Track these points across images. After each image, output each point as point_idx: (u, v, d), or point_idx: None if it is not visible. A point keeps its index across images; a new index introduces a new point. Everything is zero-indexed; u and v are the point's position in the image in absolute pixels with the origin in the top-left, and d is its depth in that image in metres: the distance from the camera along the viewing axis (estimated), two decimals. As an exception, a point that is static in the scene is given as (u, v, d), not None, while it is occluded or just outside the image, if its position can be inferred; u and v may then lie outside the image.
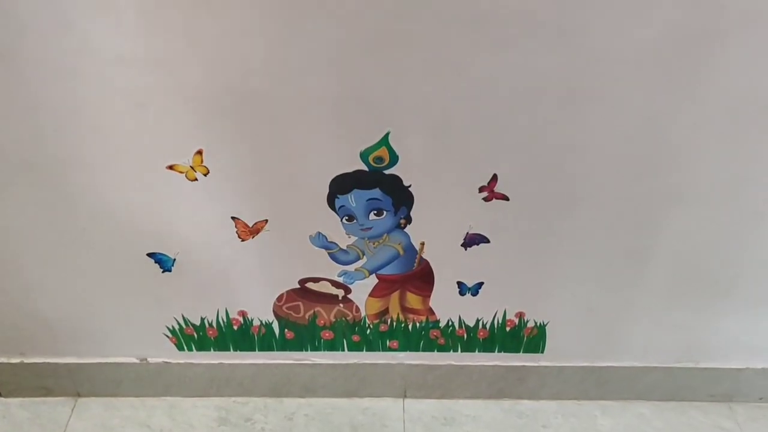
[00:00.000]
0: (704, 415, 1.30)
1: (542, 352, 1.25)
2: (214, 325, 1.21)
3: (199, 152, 0.97)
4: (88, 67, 0.87)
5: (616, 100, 0.90)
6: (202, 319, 1.20)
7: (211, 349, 1.25)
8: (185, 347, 1.24)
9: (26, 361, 1.27)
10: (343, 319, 1.20)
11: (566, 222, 1.05)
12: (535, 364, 1.27)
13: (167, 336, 1.23)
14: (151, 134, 0.94)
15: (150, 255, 1.10)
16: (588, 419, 1.30)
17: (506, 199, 1.02)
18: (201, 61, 0.86)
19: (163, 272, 1.12)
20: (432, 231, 1.07)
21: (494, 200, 1.02)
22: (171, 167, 0.98)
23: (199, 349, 1.25)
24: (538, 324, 1.20)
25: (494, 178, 0.99)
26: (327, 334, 1.22)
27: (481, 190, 1.01)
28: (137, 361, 1.27)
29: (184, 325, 1.21)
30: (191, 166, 0.98)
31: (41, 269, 1.12)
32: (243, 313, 1.19)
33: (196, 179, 0.99)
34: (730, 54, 0.85)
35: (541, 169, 0.98)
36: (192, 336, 1.22)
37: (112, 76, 0.88)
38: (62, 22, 0.82)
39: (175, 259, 1.10)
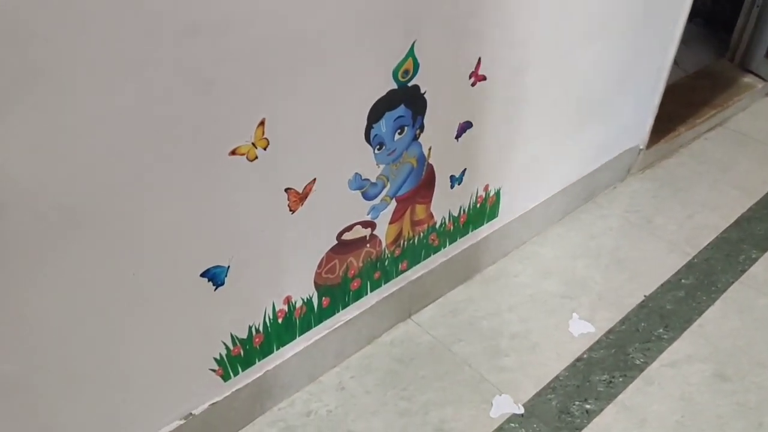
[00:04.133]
0: (589, 215, 1.69)
1: (497, 216, 1.45)
2: (261, 329, 1.08)
3: (262, 123, 0.87)
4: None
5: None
6: (250, 329, 1.06)
7: (257, 361, 1.11)
8: (231, 374, 1.08)
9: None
10: (369, 259, 1.20)
11: (528, 89, 1.25)
12: (492, 230, 1.46)
13: (213, 371, 1.05)
14: (214, 117, 0.81)
15: (203, 274, 0.93)
16: (534, 255, 1.56)
17: (485, 78, 1.16)
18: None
19: (216, 289, 0.96)
20: (436, 133, 1.15)
21: (478, 83, 1.15)
22: (234, 152, 0.86)
23: (245, 367, 1.10)
24: (496, 190, 1.39)
25: (479, 61, 1.12)
26: (355, 284, 1.21)
27: (470, 76, 1.13)
28: (182, 422, 1.05)
29: (231, 346, 1.05)
30: (253, 143, 0.87)
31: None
32: (288, 299, 1.09)
33: (256, 158, 0.89)
34: None
35: (513, 44, 1.15)
36: (239, 356, 1.07)
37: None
38: None
39: (229, 267, 0.96)
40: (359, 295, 1.24)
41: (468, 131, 1.21)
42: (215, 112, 0.81)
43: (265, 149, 0.90)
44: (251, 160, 0.89)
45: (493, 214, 1.43)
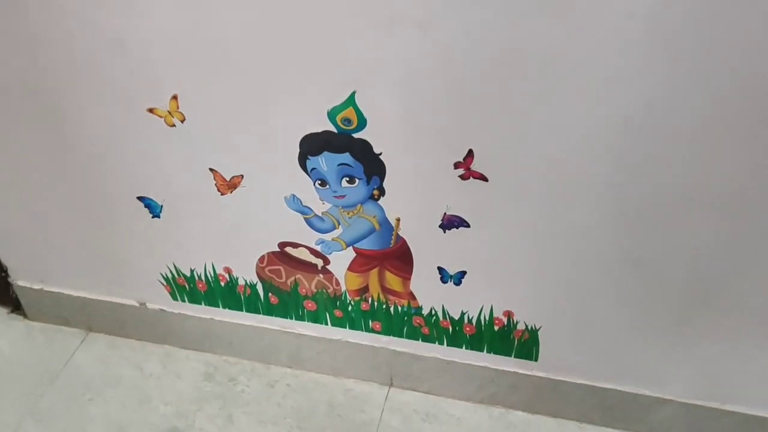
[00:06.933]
0: (727, 466, 1.12)
1: (536, 360, 1.13)
2: (203, 278, 1.21)
3: (174, 97, 0.97)
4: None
5: (607, 76, 0.79)
6: (192, 271, 1.21)
7: (202, 303, 1.26)
8: (178, 297, 1.26)
9: (46, 288, 1.35)
10: (324, 291, 1.16)
11: (555, 214, 0.94)
12: (529, 373, 1.15)
13: (162, 283, 1.25)
14: (130, 76, 0.96)
15: (140, 198, 1.12)
16: (586, 444, 1.16)
17: (485, 179, 0.93)
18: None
19: (152, 218, 1.14)
20: (407, 206, 1.00)
21: (472, 179, 0.93)
22: (151, 110, 0.99)
23: (191, 301, 1.26)
24: (529, 327, 1.09)
25: (470, 153, 0.91)
26: (310, 305, 1.19)
27: (456, 166, 0.92)
28: (137, 304, 1.31)
29: (176, 275, 1.23)
30: (169, 111, 0.99)
31: (47, 201, 1.18)
32: (228, 270, 1.19)
33: (174, 125, 1.00)
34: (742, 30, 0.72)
35: (524, 149, 0.89)
36: (184, 287, 1.24)
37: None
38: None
39: (162, 206, 1.12)
40: (317, 319, 1.21)
41: (461, 229, 0.99)
42: (129, 70, 0.96)
43: (182, 122, 0.99)
44: (170, 126, 1.00)
45: (525, 353, 1.13)
